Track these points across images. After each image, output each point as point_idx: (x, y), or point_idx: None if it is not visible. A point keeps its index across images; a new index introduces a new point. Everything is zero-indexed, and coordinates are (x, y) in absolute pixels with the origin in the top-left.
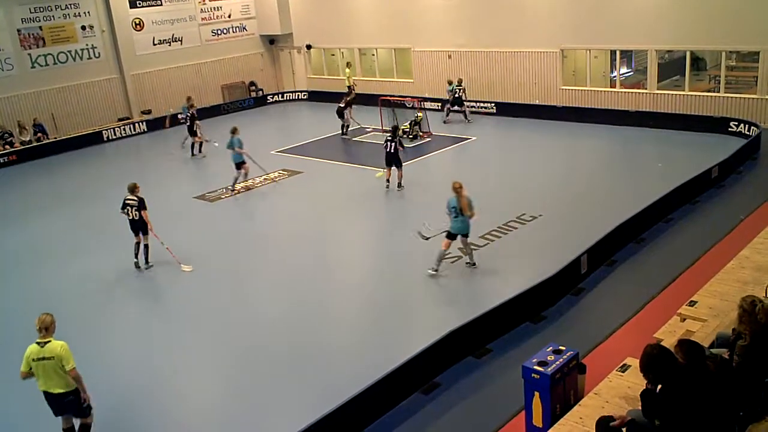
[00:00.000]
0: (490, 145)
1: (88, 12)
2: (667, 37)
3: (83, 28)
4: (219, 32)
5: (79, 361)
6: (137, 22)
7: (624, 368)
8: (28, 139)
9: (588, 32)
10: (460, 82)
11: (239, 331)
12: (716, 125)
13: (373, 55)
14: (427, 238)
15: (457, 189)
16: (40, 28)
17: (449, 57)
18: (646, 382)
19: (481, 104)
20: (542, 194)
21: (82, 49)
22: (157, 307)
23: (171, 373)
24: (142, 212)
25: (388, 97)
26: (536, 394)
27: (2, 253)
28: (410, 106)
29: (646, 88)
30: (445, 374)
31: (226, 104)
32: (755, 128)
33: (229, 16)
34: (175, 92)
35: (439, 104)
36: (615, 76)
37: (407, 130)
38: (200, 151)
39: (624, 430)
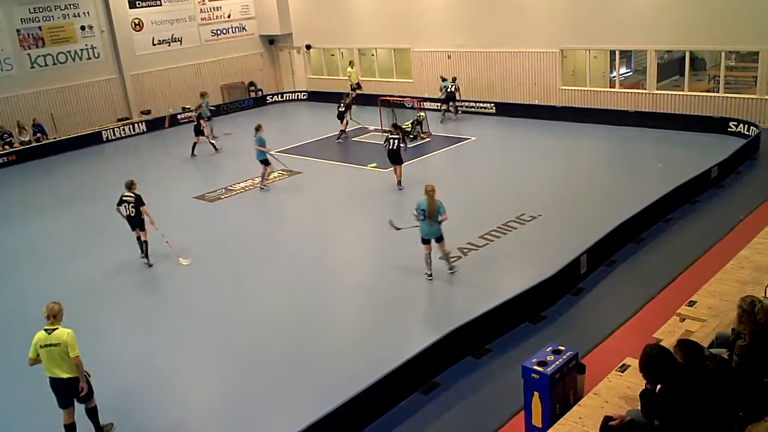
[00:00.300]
0: (490, 146)
1: (88, 12)
2: (666, 38)
3: (83, 28)
4: (218, 32)
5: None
6: (137, 23)
7: (623, 368)
8: (27, 139)
9: (587, 32)
10: (454, 79)
11: (239, 331)
12: (716, 125)
13: (373, 55)
14: (399, 229)
15: (429, 192)
16: (40, 28)
17: (449, 57)
18: (645, 382)
19: (481, 104)
20: (542, 194)
21: (82, 50)
22: (157, 307)
23: (171, 373)
24: (141, 208)
25: (388, 98)
26: (536, 394)
27: (2, 252)
28: (409, 106)
29: (645, 89)
30: (444, 374)
31: (225, 104)
32: (755, 128)
33: (229, 17)
34: (175, 92)
35: (439, 104)
36: (614, 77)
37: (409, 130)
38: (193, 153)
39: (624, 430)
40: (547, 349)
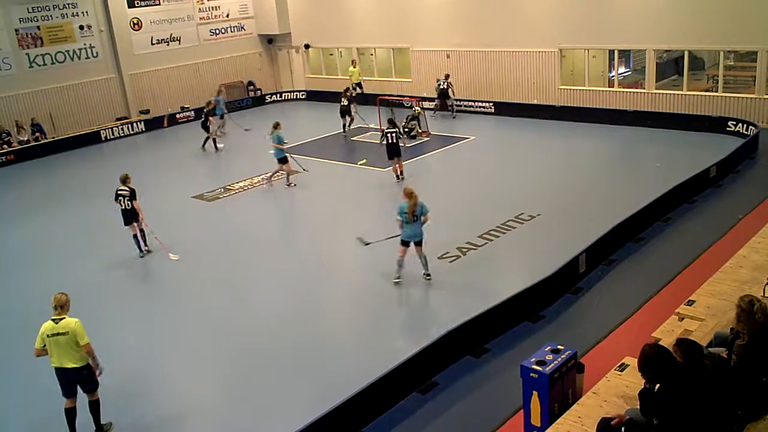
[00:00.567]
0: (489, 145)
1: (86, 12)
2: (665, 37)
3: (81, 27)
4: (217, 32)
5: None
6: (135, 22)
7: (622, 367)
8: (26, 138)
9: (586, 32)
10: (446, 77)
11: (237, 330)
12: (714, 125)
13: (372, 54)
14: (367, 244)
15: (409, 194)
16: (38, 27)
17: (448, 57)
18: (644, 381)
19: (480, 104)
20: (540, 194)
21: (80, 49)
22: (155, 306)
23: (168, 373)
24: (134, 202)
25: (387, 97)
26: (535, 393)
27: (0, 251)
28: (408, 105)
29: (644, 88)
30: (443, 374)
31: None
32: (753, 128)
33: (228, 16)
34: (174, 92)
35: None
36: (613, 76)
37: (407, 127)
38: (204, 148)
39: (623, 429)
40: (546, 349)
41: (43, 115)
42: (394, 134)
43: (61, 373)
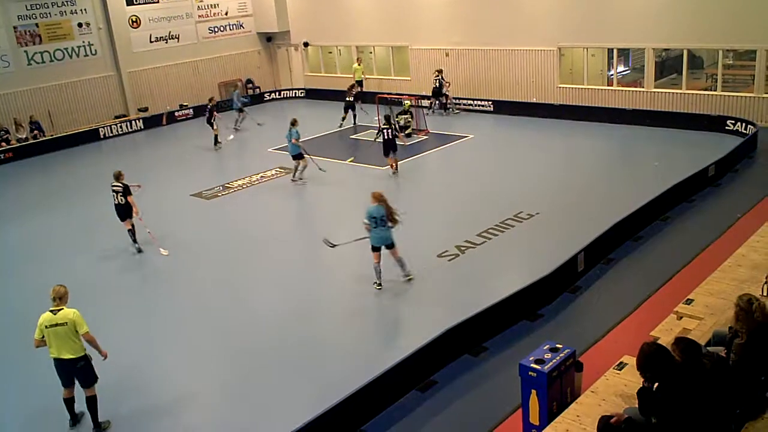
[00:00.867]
0: (487, 143)
1: (85, 9)
2: (664, 36)
3: (80, 25)
4: (216, 30)
5: None
6: (134, 20)
7: (621, 366)
8: (24, 136)
9: (585, 30)
10: (438, 72)
11: (236, 329)
12: (713, 124)
13: (371, 53)
14: (334, 246)
15: (378, 198)
16: (37, 25)
17: (447, 55)
18: (642, 380)
19: (478, 102)
20: (539, 192)
21: (79, 47)
22: (154, 305)
23: (167, 372)
24: (128, 198)
25: (386, 95)
26: (533, 392)
27: None
28: (410, 104)
29: (643, 87)
30: (441, 372)
31: (223, 102)
32: (752, 127)
33: (226, 14)
34: (172, 90)
35: (431, 101)
36: (612, 75)
37: (402, 123)
38: (216, 144)
39: (622, 427)
40: (545, 347)
41: (42, 113)
42: (389, 131)
43: (59, 364)
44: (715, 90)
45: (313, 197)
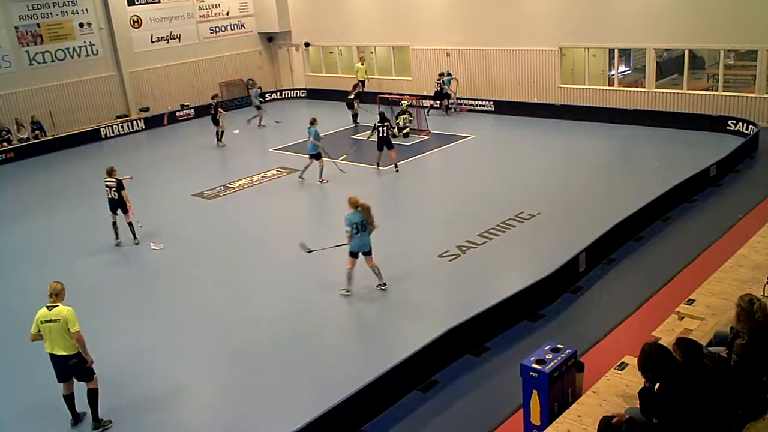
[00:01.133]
0: (489, 144)
1: (86, 9)
2: (665, 36)
3: (81, 25)
4: (217, 30)
5: None
6: (135, 20)
7: (622, 366)
8: (25, 136)
9: (586, 30)
10: (440, 75)
11: (236, 329)
12: (714, 124)
13: (372, 53)
14: (310, 251)
15: (354, 203)
16: (38, 25)
17: (448, 55)
18: (644, 380)
19: (480, 102)
20: (540, 192)
21: (80, 47)
22: (154, 305)
23: (167, 372)
24: (122, 192)
25: (387, 95)
26: (534, 392)
27: (0, 249)
28: (408, 103)
29: (644, 87)
30: (443, 372)
31: (224, 102)
32: (753, 127)
33: (228, 14)
34: (173, 90)
35: (432, 102)
36: (613, 75)
37: (401, 124)
38: (219, 141)
39: (623, 428)
40: (546, 348)
41: (43, 113)
42: (384, 128)
43: (53, 359)
44: (717, 90)
45: (314, 197)
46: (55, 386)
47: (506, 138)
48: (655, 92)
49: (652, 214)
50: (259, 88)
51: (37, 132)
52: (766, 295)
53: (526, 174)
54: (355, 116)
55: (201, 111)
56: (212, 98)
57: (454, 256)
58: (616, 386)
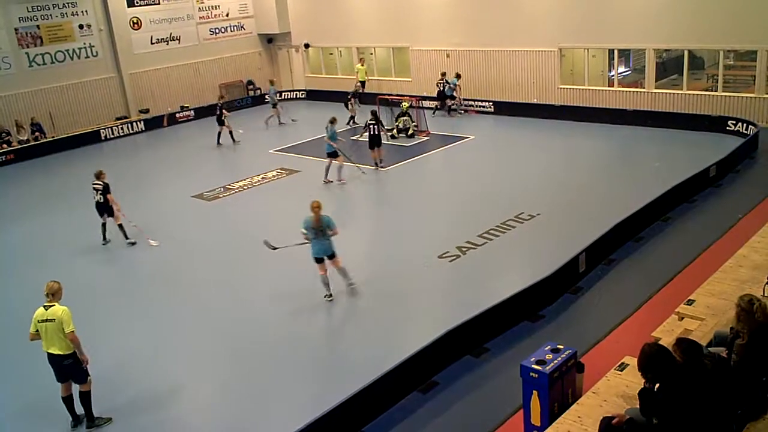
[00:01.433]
0: (488, 144)
1: (86, 11)
2: (664, 36)
3: (81, 27)
4: (217, 31)
5: None
6: (135, 21)
7: (622, 367)
8: (25, 138)
9: (586, 31)
10: (443, 75)
11: (236, 329)
12: (714, 124)
13: (371, 54)
14: (275, 248)
15: (314, 209)
16: (38, 26)
17: (447, 56)
18: (644, 380)
19: (479, 103)
20: (540, 193)
21: (80, 48)
22: (154, 306)
23: (167, 372)
24: (107, 195)
25: (386, 96)
26: (534, 392)
27: (0, 250)
28: (408, 104)
29: (644, 87)
30: (443, 373)
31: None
32: (753, 127)
33: (227, 15)
34: (173, 91)
35: (438, 103)
36: (613, 75)
37: (400, 125)
38: (234, 140)
39: (624, 428)
40: (546, 348)
41: (43, 115)
42: (375, 126)
43: (50, 358)
44: (716, 90)
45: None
46: (55, 386)
47: (506, 139)
48: (655, 93)
49: (652, 214)
50: (259, 87)
51: (36, 134)
52: (765, 295)
53: (526, 175)
54: (351, 118)
55: (201, 112)
56: (219, 99)
57: (454, 257)
58: (616, 387)
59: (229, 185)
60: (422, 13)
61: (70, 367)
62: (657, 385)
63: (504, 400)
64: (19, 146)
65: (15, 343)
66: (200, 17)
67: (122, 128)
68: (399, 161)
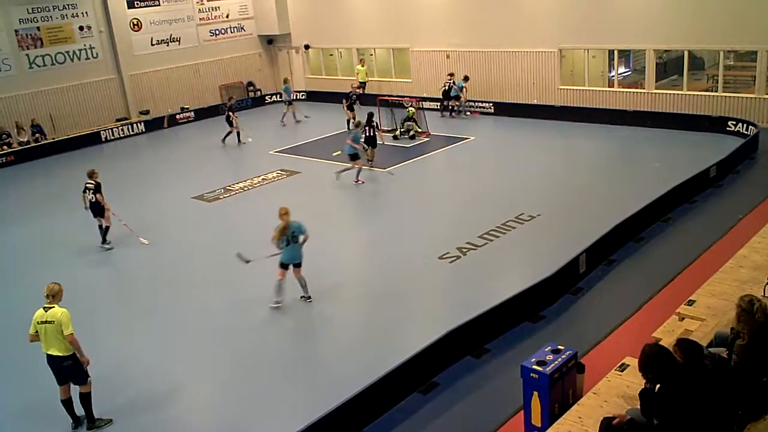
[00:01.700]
0: (489, 145)
1: (86, 12)
2: (665, 37)
3: (81, 28)
4: (217, 32)
5: None
6: (135, 23)
7: (623, 367)
8: (26, 139)
9: (586, 32)
10: (450, 75)
11: (235, 330)
12: (714, 125)
13: (372, 54)
14: (248, 261)
15: (282, 215)
16: (38, 28)
17: (447, 57)
18: (644, 381)
19: (480, 104)
20: (540, 194)
21: (80, 50)
22: (154, 306)
23: (167, 373)
24: (98, 195)
25: (387, 97)
26: (535, 393)
27: (0, 251)
28: (408, 105)
29: (644, 88)
30: (443, 374)
31: (224, 104)
32: (753, 127)
33: (227, 17)
34: (174, 93)
35: (438, 104)
36: (613, 76)
37: (403, 130)
38: (239, 141)
39: (624, 429)
40: (546, 349)
41: (43, 116)
42: (371, 128)
43: (49, 359)
44: (716, 91)
45: (313, 198)
46: (56, 387)
47: (506, 139)
48: (655, 93)
49: (653, 214)
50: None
51: (37, 135)
52: (766, 295)
53: (526, 175)
54: (348, 122)
55: (201, 114)
56: (228, 99)
57: (455, 258)
58: (616, 387)
59: (230, 186)
60: (422, 14)
61: (69, 369)
62: (658, 386)
63: (504, 401)
64: (20, 148)
65: (15, 344)
66: (200, 19)
67: (122, 129)
68: (399, 162)
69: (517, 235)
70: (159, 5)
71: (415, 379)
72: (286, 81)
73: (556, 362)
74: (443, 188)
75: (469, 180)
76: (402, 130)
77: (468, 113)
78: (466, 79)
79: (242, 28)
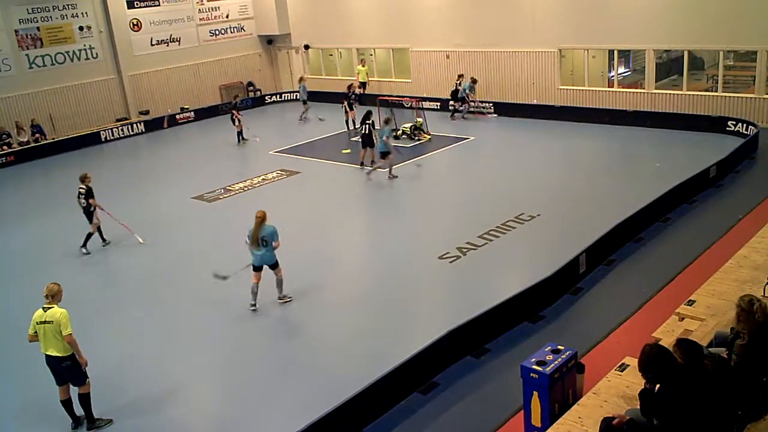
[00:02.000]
0: (489, 145)
1: (86, 13)
2: (664, 37)
3: (81, 28)
4: (217, 32)
5: None
6: (135, 23)
7: (622, 367)
8: (25, 139)
9: (586, 32)
10: (460, 76)
11: (236, 330)
12: (714, 125)
13: (371, 55)
14: (225, 278)
15: (258, 218)
16: (38, 28)
17: (447, 57)
18: (644, 381)
19: (480, 104)
20: (540, 194)
21: (80, 50)
22: (154, 307)
23: (167, 374)
24: (90, 200)
25: (387, 97)
26: (535, 393)
27: (0, 252)
28: (408, 105)
29: (644, 88)
30: (443, 374)
31: (224, 104)
32: (753, 127)
33: (227, 17)
34: (173, 93)
35: (438, 104)
36: (613, 76)
37: (408, 132)
38: (243, 139)
39: (624, 429)
40: (546, 349)
41: (43, 116)
42: (368, 126)
43: (48, 359)
44: (716, 91)
45: (313, 199)
46: (55, 387)
47: (506, 139)
48: (655, 93)
49: (652, 214)
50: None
51: (37, 135)
52: (766, 295)
53: (526, 175)
54: (347, 122)
55: (201, 114)
56: (233, 98)
57: (455, 258)
58: (616, 387)
59: (230, 186)
60: (422, 14)
61: (68, 369)
62: (657, 386)
63: (504, 401)
64: (20, 148)
65: (15, 344)
66: (200, 19)
67: (122, 130)
68: (400, 162)
69: (517, 235)
70: (159, 5)
71: (415, 379)
72: (301, 80)
73: (556, 362)
74: (443, 188)
75: (469, 180)
76: (406, 134)
77: (479, 114)
78: (474, 81)
79: (242, 29)
